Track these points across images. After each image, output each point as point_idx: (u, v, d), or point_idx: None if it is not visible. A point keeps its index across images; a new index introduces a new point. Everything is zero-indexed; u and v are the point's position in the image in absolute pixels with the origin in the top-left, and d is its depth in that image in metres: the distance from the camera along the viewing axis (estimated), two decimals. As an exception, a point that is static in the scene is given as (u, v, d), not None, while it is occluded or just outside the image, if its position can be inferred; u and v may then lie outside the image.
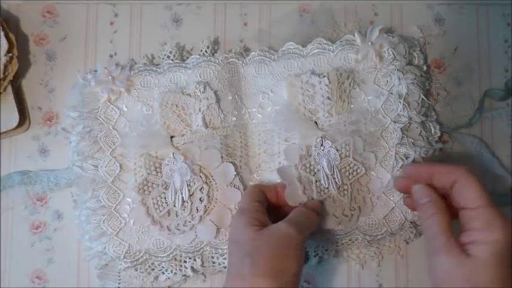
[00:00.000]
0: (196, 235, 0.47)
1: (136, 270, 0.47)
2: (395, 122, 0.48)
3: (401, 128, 0.48)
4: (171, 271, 0.47)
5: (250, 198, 0.44)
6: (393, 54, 0.49)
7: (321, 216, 0.45)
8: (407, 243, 0.50)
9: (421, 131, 0.48)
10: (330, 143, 0.47)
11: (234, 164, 0.47)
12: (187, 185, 0.47)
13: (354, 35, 0.49)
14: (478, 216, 0.37)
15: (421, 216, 0.41)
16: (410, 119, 0.48)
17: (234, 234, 0.42)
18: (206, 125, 0.48)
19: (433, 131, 0.49)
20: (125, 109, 0.49)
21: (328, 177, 0.47)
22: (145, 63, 0.50)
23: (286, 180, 0.46)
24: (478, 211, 0.37)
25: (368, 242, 0.48)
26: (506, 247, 0.36)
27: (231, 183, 0.47)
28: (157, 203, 0.47)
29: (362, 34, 0.49)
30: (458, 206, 0.39)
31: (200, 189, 0.47)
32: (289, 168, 0.47)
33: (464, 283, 0.36)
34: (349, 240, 0.48)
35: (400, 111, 0.48)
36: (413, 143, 0.48)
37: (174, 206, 0.47)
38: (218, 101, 0.48)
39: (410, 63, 0.50)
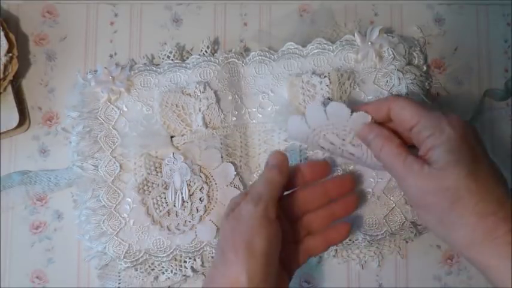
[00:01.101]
0: (196, 235, 0.47)
1: (137, 270, 0.47)
2: (395, 122, 0.48)
3: (401, 128, 0.48)
4: (171, 271, 0.47)
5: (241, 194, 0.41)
6: (393, 54, 0.49)
7: (286, 173, 0.40)
8: (407, 242, 0.50)
9: (420, 131, 0.48)
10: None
11: (234, 164, 0.47)
12: (187, 185, 0.47)
13: (354, 35, 0.49)
14: (423, 127, 0.37)
15: (375, 155, 0.40)
16: (410, 119, 0.48)
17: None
18: (206, 125, 0.48)
19: (433, 131, 0.49)
20: (125, 109, 0.49)
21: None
22: (145, 63, 0.50)
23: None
24: (421, 123, 0.37)
25: (368, 242, 0.48)
26: (460, 139, 0.36)
27: (231, 183, 0.47)
28: (157, 203, 0.47)
29: (362, 34, 0.49)
30: (409, 132, 0.39)
31: (200, 189, 0.47)
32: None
33: (438, 190, 0.35)
34: (349, 240, 0.48)
35: (400, 111, 0.48)
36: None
37: (174, 206, 0.47)
38: (218, 101, 0.48)
39: (410, 63, 0.50)
